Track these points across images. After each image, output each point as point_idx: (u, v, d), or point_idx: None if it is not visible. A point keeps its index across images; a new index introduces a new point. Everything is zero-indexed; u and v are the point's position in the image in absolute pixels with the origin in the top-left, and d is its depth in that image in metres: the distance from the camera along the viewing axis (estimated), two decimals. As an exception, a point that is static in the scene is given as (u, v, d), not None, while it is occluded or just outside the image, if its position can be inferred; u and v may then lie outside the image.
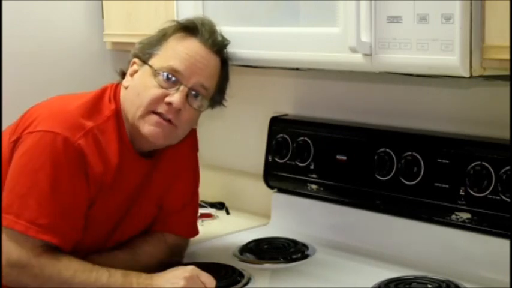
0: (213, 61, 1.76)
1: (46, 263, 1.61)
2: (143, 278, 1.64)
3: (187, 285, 1.62)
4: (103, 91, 1.77)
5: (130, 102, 1.73)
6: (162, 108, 1.69)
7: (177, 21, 1.81)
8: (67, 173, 1.64)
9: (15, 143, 1.68)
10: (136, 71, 1.76)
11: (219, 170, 2.47)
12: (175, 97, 1.69)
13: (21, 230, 1.60)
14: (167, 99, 1.69)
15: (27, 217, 1.61)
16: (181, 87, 1.70)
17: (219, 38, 1.78)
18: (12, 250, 1.61)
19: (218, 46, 1.77)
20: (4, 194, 1.64)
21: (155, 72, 1.71)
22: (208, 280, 1.66)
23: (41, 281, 1.61)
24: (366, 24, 1.55)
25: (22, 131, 1.68)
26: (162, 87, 1.70)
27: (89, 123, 1.68)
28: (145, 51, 1.76)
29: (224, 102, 1.84)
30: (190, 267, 1.67)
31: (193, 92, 1.72)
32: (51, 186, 1.62)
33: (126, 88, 1.76)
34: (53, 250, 1.63)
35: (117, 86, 1.79)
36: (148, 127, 1.70)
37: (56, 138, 1.63)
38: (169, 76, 1.70)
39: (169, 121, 1.70)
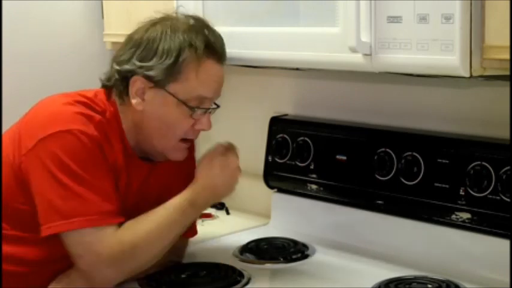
0: (223, 72, 1.77)
1: (132, 239, 1.64)
2: (206, 196, 1.74)
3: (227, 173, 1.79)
4: (95, 93, 1.77)
5: (157, 131, 1.73)
6: (192, 135, 1.77)
7: (189, 40, 1.69)
8: (99, 162, 1.65)
9: (28, 155, 1.65)
10: (143, 91, 1.71)
11: (219, 170, 2.46)
12: (206, 124, 1.75)
13: (97, 224, 1.61)
14: (199, 127, 1.75)
15: (95, 210, 1.61)
16: (209, 111, 1.75)
17: (223, 43, 1.76)
18: (99, 247, 1.61)
19: (225, 55, 1.76)
20: (51, 204, 1.62)
21: (186, 106, 1.70)
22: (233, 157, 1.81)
23: (137, 257, 1.64)
24: (366, 24, 1.55)
25: (30, 141, 1.65)
26: (189, 116, 1.72)
27: (96, 116, 1.69)
28: (158, 76, 1.69)
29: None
30: (210, 157, 1.78)
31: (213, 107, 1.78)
32: (95, 177, 1.63)
33: (141, 111, 1.72)
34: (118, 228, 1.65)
35: (106, 95, 1.77)
36: (180, 153, 1.78)
37: (74, 133, 1.63)
38: (197, 107, 1.72)
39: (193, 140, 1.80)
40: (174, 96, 1.69)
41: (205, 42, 1.71)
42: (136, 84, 1.71)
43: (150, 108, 1.72)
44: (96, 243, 1.61)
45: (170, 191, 1.86)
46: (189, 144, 1.79)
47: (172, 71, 1.68)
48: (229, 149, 1.80)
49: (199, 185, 1.74)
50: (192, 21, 1.75)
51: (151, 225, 1.66)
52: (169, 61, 1.67)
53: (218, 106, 1.80)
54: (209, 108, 1.75)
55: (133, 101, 1.72)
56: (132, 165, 1.76)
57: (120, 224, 1.65)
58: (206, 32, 1.73)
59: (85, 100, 1.73)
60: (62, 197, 1.61)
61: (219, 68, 1.74)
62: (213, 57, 1.72)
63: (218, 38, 1.75)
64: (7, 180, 1.70)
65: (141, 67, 1.69)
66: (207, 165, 1.76)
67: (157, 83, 1.69)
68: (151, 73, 1.68)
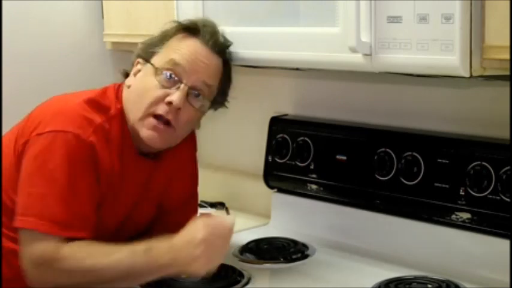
0: (215, 61, 1.76)
1: (67, 255, 1.59)
2: (165, 252, 1.58)
3: (205, 252, 1.58)
4: (105, 90, 1.77)
5: (133, 102, 1.73)
6: (161, 109, 1.69)
7: (179, 22, 1.81)
8: (82, 169, 1.64)
9: (24, 146, 1.66)
10: (139, 71, 1.76)
11: (219, 170, 2.47)
12: (175, 96, 1.68)
13: (46, 231, 1.60)
14: (167, 98, 1.68)
15: (50, 217, 1.60)
16: (182, 86, 1.70)
17: (221, 39, 1.78)
18: (35, 249, 1.60)
19: (219, 47, 1.77)
20: (20, 198, 1.64)
21: (157, 71, 1.71)
22: (226, 229, 1.62)
23: (66, 274, 1.60)
24: (366, 24, 1.55)
25: (30, 134, 1.66)
26: (163, 86, 1.70)
27: (97, 118, 1.68)
28: (148, 50, 1.77)
29: (226, 104, 1.84)
30: (201, 227, 1.59)
31: (195, 92, 1.72)
32: (69, 184, 1.62)
33: (128, 87, 1.76)
34: (73, 241, 1.61)
35: (119, 86, 1.79)
36: (146, 131, 1.70)
37: (68, 136, 1.63)
38: (171, 75, 1.70)
39: (167, 123, 1.70)
40: (152, 65, 1.72)
41: (193, 24, 1.76)
42: (137, 66, 1.77)
43: (134, 82, 1.75)
44: (29, 248, 1.60)
45: (172, 189, 1.87)
46: (157, 124, 1.69)
47: (156, 44, 1.76)
48: (227, 237, 1.64)
49: (165, 244, 1.60)
50: (199, 21, 1.79)
51: (91, 260, 1.59)
52: (157, 38, 1.78)
53: (218, 104, 1.80)
54: (180, 80, 1.70)
55: (127, 80, 1.77)
56: (134, 162, 1.75)
57: (71, 239, 1.61)
58: (198, 21, 1.77)
59: (94, 97, 1.73)
60: (29, 194, 1.62)
61: (202, 48, 1.74)
62: (199, 38, 1.74)
63: (209, 26, 1.76)
64: (15, 175, 1.70)
65: (139, 48, 1.79)
66: (194, 237, 1.59)
67: (146, 59, 1.75)
68: (143, 49, 1.77)
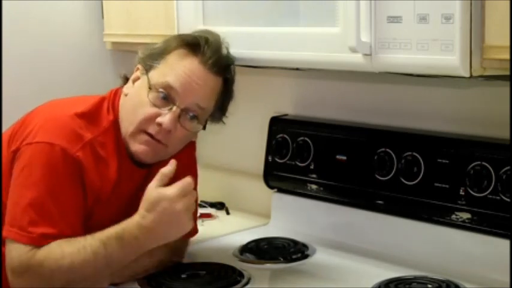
0: (211, 82, 1.74)
1: (43, 258, 1.60)
2: (139, 238, 1.63)
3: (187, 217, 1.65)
4: (102, 100, 1.77)
5: (126, 114, 1.73)
6: (152, 129, 1.69)
7: (181, 37, 1.78)
8: (66, 183, 1.64)
9: (15, 154, 1.67)
10: (138, 78, 1.76)
11: (219, 170, 2.47)
12: (166, 118, 1.68)
13: (27, 242, 1.60)
14: (158, 119, 1.68)
15: (29, 229, 1.61)
16: (174, 108, 1.69)
17: (223, 58, 1.76)
18: (15, 259, 1.61)
19: (219, 66, 1.75)
20: (8, 207, 1.65)
21: (150, 87, 1.70)
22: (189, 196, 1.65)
23: (48, 277, 1.60)
24: (366, 24, 1.55)
25: (21, 142, 1.67)
26: (155, 105, 1.69)
27: (88, 135, 1.68)
28: (147, 62, 1.75)
29: (224, 119, 1.83)
30: (178, 198, 1.63)
31: (189, 114, 1.71)
32: (52, 197, 1.62)
33: (126, 95, 1.75)
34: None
35: (116, 93, 1.78)
36: (138, 146, 1.71)
37: (55, 149, 1.63)
38: (163, 95, 1.69)
39: (158, 141, 1.70)
40: (148, 80, 1.71)
41: (194, 41, 1.74)
42: (137, 72, 1.76)
43: (131, 91, 1.75)
44: (10, 257, 1.61)
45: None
46: (149, 139, 1.70)
47: (156, 57, 1.74)
48: (184, 195, 1.65)
49: (134, 222, 1.64)
50: (202, 37, 1.76)
51: (68, 259, 1.60)
52: (157, 50, 1.75)
53: (204, 126, 1.78)
54: (172, 102, 1.69)
55: (126, 86, 1.76)
56: (128, 173, 1.75)
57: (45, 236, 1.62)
58: (201, 38, 1.74)
59: (87, 109, 1.72)
60: (15, 204, 1.63)
61: (199, 68, 1.71)
62: (198, 57, 1.72)
63: (212, 43, 1.74)
64: (7, 178, 1.70)
65: (141, 54, 1.78)
66: (152, 204, 1.63)
67: (146, 70, 1.74)
68: (143, 58, 1.75)
